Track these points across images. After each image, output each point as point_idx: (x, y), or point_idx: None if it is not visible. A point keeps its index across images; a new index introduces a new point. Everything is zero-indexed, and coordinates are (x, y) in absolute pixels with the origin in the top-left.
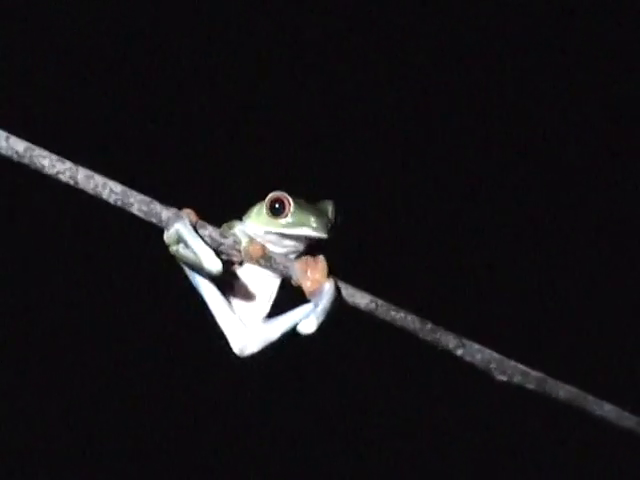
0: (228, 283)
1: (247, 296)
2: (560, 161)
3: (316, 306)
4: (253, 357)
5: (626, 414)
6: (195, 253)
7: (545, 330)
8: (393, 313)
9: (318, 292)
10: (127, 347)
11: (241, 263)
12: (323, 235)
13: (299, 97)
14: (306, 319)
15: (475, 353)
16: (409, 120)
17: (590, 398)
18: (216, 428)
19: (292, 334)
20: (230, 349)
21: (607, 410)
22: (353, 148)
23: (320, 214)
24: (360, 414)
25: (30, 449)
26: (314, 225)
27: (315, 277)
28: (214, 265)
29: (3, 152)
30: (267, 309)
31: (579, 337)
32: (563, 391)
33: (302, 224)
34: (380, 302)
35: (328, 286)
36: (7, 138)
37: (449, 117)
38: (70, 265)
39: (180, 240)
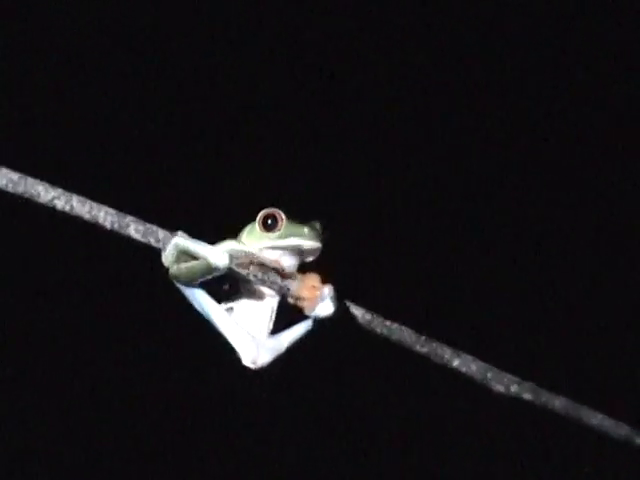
0: (229, 307)
1: (249, 316)
2: (558, 172)
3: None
4: (263, 369)
5: (620, 424)
6: (200, 255)
7: (539, 342)
8: (388, 325)
9: (318, 300)
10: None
11: (241, 282)
12: (317, 244)
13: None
14: (322, 302)
15: (470, 364)
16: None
17: (584, 408)
18: (215, 436)
19: (300, 341)
20: (238, 361)
21: (601, 420)
22: (340, 167)
23: (311, 226)
24: (358, 422)
25: (30, 447)
26: (307, 234)
27: (312, 284)
28: (222, 259)
29: None
30: (269, 327)
31: (573, 348)
32: (558, 401)
33: (295, 234)
34: (375, 315)
35: (327, 290)
36: None
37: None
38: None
39: (178, 256)
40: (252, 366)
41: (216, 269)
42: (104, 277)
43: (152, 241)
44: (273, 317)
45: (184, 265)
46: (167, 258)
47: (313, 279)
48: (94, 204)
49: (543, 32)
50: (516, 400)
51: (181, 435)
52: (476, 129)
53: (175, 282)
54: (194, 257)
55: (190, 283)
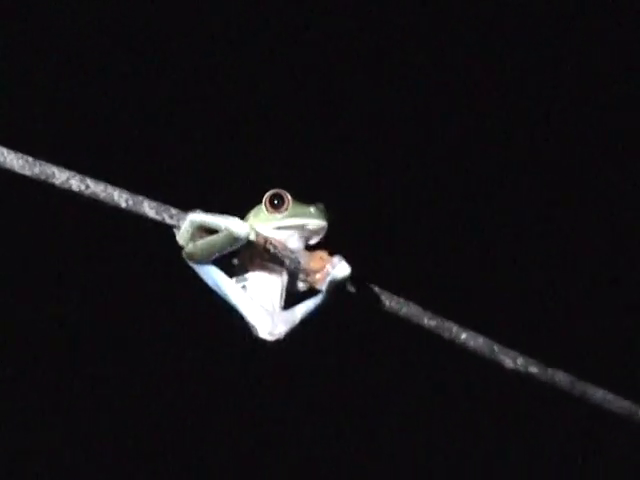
0: (241, 284)
1: (260, 291)
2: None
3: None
4: (279, 340)
5: (625, 400)
6: (220, 226)
7: (543, 319)
8: (396, 299)
9: (329, 271)
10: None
11: (251, 259)
12: (323, 222)
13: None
14: (338, 264)
15: (477, 338)
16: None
17: (589, 385)
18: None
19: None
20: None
21: (603, 395)
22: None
23: (317, 206)
24: (367, 397)
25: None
26: (314, 213)
27: (320, 256)
28: (244, 228)
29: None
30: (281, 302)
31: (578, 326)
32: (562, 376)
33: (302, 214)
34: (384, 292)
35: (337, 259)
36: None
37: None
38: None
39: (194, 233)
40: (269, 338)
41: (238, 239)
42: (119, 258)
43: (166, 217)
44: (284, 294)
45: (201, 241)
46: (182, 236)
47: (321, 253)
48: (108, 184)
49: (543, 32)
50: (523, 374)
51: (194, 416)
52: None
53: (189, 261)
54: (211, 232)
55: (205, 260)
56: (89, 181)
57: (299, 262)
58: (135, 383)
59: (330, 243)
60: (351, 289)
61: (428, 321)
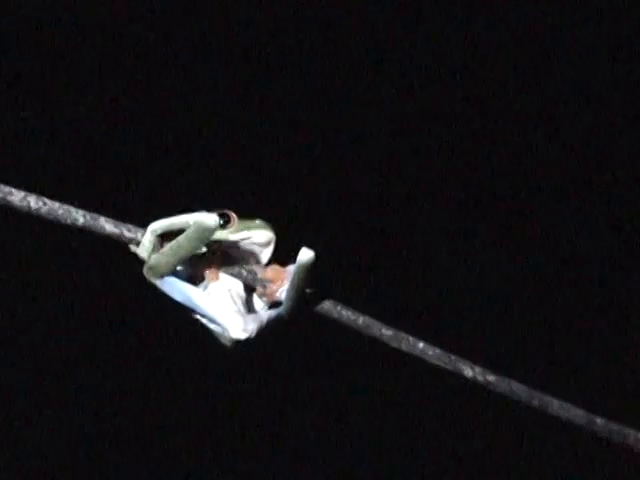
0: (204, 290)
1: (223, 297)
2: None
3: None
4: (251, 339)
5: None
6: (186, 223)
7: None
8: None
9: (285, 282)
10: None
11: (209, 268)
12: (270, 233)
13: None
14: (303, 251)
15: (434, 349)
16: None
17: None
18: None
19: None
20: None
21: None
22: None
23: (262, 220)
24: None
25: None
26: (260, 225)
27: (275, 268)
28: (211, 216)
29: None
30: (244, 307)
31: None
32: (516, 386)
33: (249, 227)
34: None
35: (292, 266)
36: None
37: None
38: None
39: (155, 245)
40: (243, 335)
41: (208, 230)
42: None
43: (124, 231)
44: (244, 299)
45: (165, 248)
46: (144, 248)
47: (276, 265)
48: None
49: (543, 30)
50: (481, 384)
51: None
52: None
53: (151, 277)
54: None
55: (168, 272)
56: (46, 199)
57: (255, 273)
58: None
59: (282, 259)
60: (308, 300)
61: (385, 331)
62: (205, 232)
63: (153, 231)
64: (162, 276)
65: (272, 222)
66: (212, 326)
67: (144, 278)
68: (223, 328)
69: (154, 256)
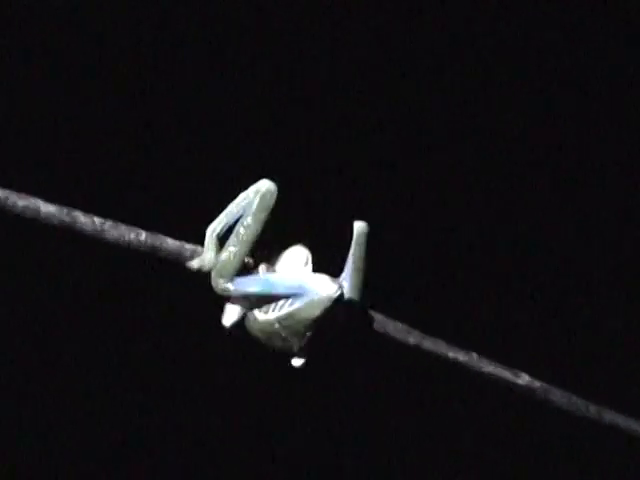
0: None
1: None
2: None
3: None
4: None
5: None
6: (247, 196)
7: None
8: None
9: None
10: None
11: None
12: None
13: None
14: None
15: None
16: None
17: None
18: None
19: None
20: None
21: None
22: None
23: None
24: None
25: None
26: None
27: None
28: (266, 182)
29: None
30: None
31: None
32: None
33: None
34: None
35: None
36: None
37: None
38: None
39: (217, 246)
40: (336, 289)
41: (271, 193)
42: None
43: (185, 246)
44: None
45: (228, 245)
46: (209, 254)
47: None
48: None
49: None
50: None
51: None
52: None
53: (221, 283)
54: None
55: (239, 266)
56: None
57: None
58: None
59: None
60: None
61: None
62: (268, 197)
63: (213, 232)
64: (232, 275)
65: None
66: (297, 304)
67: (211, 291)
68: (314, 293)
69: (224, 255)
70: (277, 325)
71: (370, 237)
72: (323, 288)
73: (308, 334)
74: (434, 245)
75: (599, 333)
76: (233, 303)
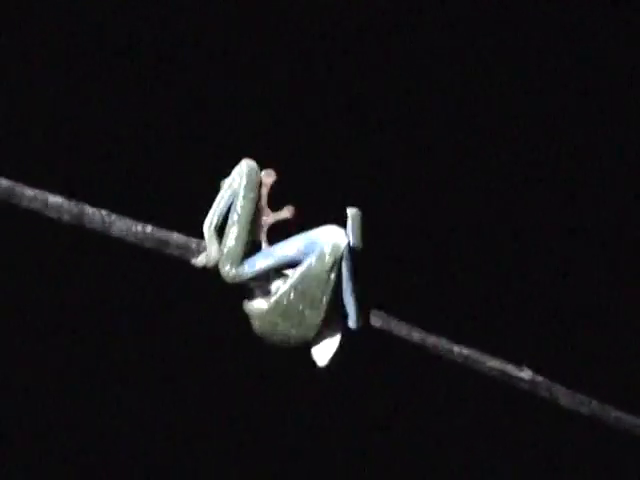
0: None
1: None
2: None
3: None
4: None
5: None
6: (234, 181)
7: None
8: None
9: None
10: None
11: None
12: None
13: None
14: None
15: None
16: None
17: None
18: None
19: None
20: None
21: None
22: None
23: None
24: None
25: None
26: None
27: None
28: (245, 162)
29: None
30: None
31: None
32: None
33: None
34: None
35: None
36: None
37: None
38: None
39: (217, 238)
40: (345, 238)
41: (254, 170)
42: None
43: (192, 244)
44: None
45: (227, 232)
46: (212, 247)
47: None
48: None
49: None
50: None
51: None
52: None
53: (233, 269)
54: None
55: (245, 249)
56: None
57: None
58: None
59: None
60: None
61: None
62: (253, 175)
63: (210, 225)
64: (240, 259)
65: None
66: (307, 261)
67: (225, 284)
68: (322, 244)
69: (227, 242)
70: (292, 295)
71: (368, 229)
72: (331, 236)
73: (325, 299)
74: (437, 239)
75: (604, 328)
76: (251, 287)
